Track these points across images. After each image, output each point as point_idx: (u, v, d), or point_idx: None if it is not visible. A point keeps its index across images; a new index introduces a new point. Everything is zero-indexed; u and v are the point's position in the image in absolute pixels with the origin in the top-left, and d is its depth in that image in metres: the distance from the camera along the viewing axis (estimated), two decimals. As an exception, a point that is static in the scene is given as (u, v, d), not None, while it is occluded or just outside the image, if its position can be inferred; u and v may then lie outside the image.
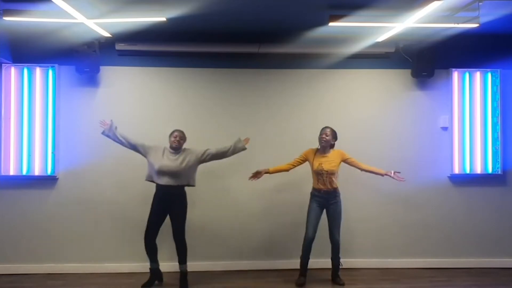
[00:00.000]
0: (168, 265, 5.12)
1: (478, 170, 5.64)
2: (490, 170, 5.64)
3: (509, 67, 5.67)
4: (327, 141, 4.88)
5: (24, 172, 5.37)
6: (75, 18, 4.27)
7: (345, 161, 4.95)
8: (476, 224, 5.63)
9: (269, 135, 5.56)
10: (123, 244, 5.34)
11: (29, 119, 5.37)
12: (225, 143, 5.00)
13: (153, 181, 4.78)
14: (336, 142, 4.99)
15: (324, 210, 4.95)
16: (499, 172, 5.61)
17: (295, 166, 5.00)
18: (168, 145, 4.84)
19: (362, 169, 4.96)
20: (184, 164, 4.73)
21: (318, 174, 4.86)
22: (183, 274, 4.80)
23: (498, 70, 5.65)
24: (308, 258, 4.95)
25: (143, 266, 5.11)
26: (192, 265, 5.02)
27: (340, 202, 4.90)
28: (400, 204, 5.59)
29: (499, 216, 5.64)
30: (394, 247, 5.59)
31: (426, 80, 5.64)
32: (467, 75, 5.68)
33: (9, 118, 5.36)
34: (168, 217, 4.79)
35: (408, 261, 5.57)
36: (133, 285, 4.90)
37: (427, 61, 5.44)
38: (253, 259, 5.50)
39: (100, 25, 4.65)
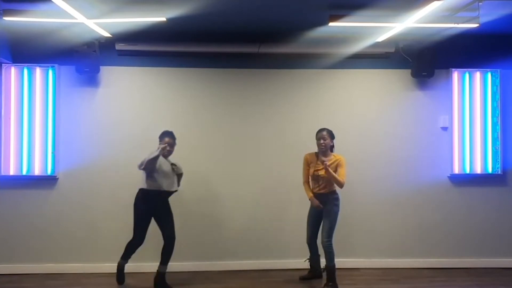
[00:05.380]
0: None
1: (478, 170, 5.64)
2: (490, 170, 5.64)
3: (509, 67, 5.67)
4: (327, 145, 4.78)
5: (24, 172, 5.37)
6: (75, 18, 4.27)
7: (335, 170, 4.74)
8: (476, 224, 5.63)
9: (269, 135, 5.56)
10: (123, 244, 5.30)
11: (29, 119, 5.37)
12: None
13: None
14: (337, 143, 4.96)
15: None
16: (499, 172, 5.61)
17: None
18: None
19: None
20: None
21: (315, 179, 4.84)
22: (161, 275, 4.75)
23: (498, 70, 5.65)
24: (315, 257, 5.01)
25: (143, 266, 5.13)
26: (190, 266, 5.02)
27: (334, 206, 4.76)
28: (400, 204, 5.59)
29: (499, 216, 5.64)
30: (394, 247, 5.59)
31: (426, 80, 5.64)
32: (467, 75, 5.68)
33: (9, 118, 5.35)
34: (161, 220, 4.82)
35: (408, 261, 5.56)
36: (132, 285, 4.90)
37: (427, 61, 5.43)
38: (251, 259, 5.49)
39: (100, 25, 4.65)
